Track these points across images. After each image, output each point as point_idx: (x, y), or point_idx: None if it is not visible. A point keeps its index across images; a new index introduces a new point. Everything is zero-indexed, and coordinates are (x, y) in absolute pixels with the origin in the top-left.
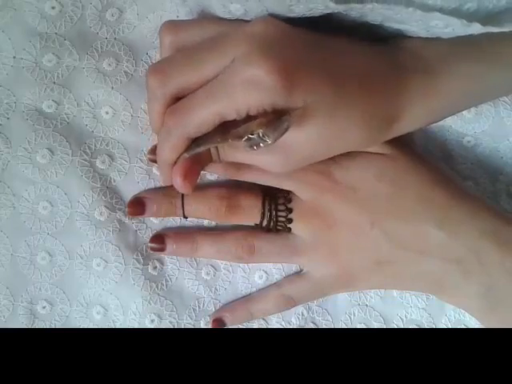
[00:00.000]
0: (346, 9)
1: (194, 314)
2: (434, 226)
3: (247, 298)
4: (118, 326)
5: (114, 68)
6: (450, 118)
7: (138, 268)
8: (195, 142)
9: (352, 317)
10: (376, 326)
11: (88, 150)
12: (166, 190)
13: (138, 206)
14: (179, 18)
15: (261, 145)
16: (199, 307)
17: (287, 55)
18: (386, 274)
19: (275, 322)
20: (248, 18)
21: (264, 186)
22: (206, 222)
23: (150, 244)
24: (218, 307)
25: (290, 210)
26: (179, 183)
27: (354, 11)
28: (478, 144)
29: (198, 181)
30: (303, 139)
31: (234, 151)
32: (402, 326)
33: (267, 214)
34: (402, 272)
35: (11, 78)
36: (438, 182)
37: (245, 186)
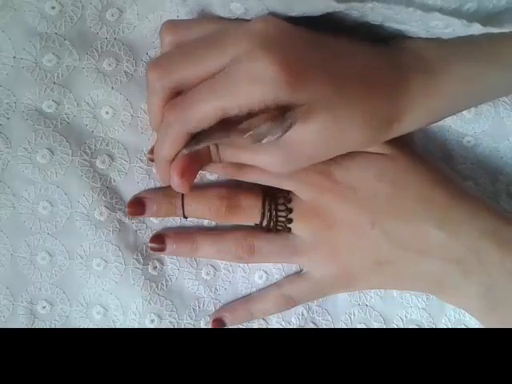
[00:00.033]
0: (347, 7)
1: (194, 313)
2: (434, 225)
3: (247, 298)
4: (118, 325)
5: (114, 68)
6: (449, 118)
7: (138, 268)
8: (195, 138)
9: (352, 317)
10: (376, 325)
11: (88, 150)
12: (166, 190)
13: (137, 206)
14: (179, 18)
15: (264, 140)
16: (199, 307)
17: (287, 52)
18: (386, 274)
19: (275, 321)
20: (248, 18)
21: (264, 185)
22: (206, 222)
23: (150, 244)
24: (217, 307)
25: (290, 210)
26: (176, 181)
27: (355, 10)
28: (477, 144)
29: (198, 181)
30: (306, 137)
31: (235, 151)
32: (402, 326)
33: (267, 213)
34: (401, 272)
35: (11, 78)
36: (437, 182)
37: (245, 186)
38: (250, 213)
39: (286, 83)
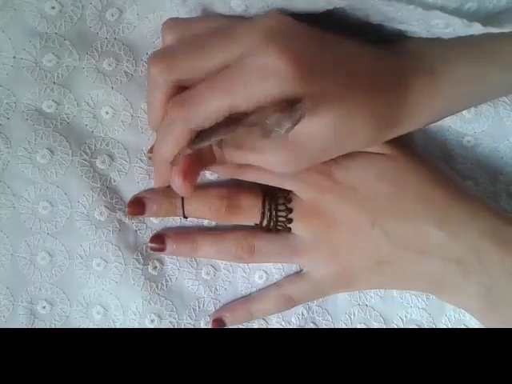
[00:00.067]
0: (348, 3)
1: (194, 313)
2: (434, 225)
3: (247, 298)
4: (118, 325)
5: (114, 68)
6: (449, 118)
7: (138, 268)
8: (199, 135)
9: (352, 317)
10: (376, 325)
11: (88, 150)
12: (166, 190)
13: (138, 206)
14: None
15: (275, 132)
16: (199, 307)
17: (297, 46)
18: (386, 274)
19: (275, 321)
20: (249, 15)
21: (264, 185)
22: (206, 222)
23: (150, 244)
24: (217, 307)
25: (290, 210)
26: (178, 183)
27: (355, 6)
28: (477, 144)
29: (198, 180)
30: (315, 130)
31: (240, 151)
32: (402, 326)
33: (267, 213)
34: (402, 272)
35: (11, 78)
36: (437, 182)
37: (245, 186)
38: (250, 213)
39: (297, 76)
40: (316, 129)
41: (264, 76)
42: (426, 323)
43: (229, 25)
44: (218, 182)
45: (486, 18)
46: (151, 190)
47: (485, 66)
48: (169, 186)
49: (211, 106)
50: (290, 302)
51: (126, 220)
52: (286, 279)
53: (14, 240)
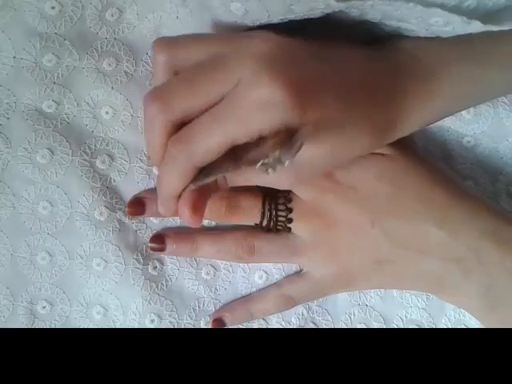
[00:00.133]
0: (347, 6)
1: (194, 313)
2: (434, 225)
3: (247, 298)
4: (118, 325)
5: (114, 68)
6: (449, 119)
7: (138, 268)
8: (203, 171)
9: (352, 317)
10: (376, 326)
11: (88, 150)
12: None
13: (137, 206)
14: (179, 19)
15: (277, 167)
16: (199, 307)
17: (292, 72)
18: (386, 274)
19: (275, 321)
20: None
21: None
22: (205, 222)
23: (150, 244)
24: (217, 307)
25: (290, 210)
26: (188, 217)
27: (355, 8)
28: (477, 144)
29: None
30: (316, 154)
31: (243, 177)
32: (402, 326)
33: (267, 213)
34: (402, 271)
35: (11, 78)
36: (437, 182)
37: (245, 186)
38: (250, 213)
39: (295, 106)
40: (317, 153)
41: (261, 108)
42: (426, 323)
43: (222, 51)
44: None
45: (486, 15)
46: (151, 190)
47: (484, 66)
48: None
49: (211, 142)
50: (290, 302)
51: (126, 220)
52: (285, 279)
53: (14, 240)
